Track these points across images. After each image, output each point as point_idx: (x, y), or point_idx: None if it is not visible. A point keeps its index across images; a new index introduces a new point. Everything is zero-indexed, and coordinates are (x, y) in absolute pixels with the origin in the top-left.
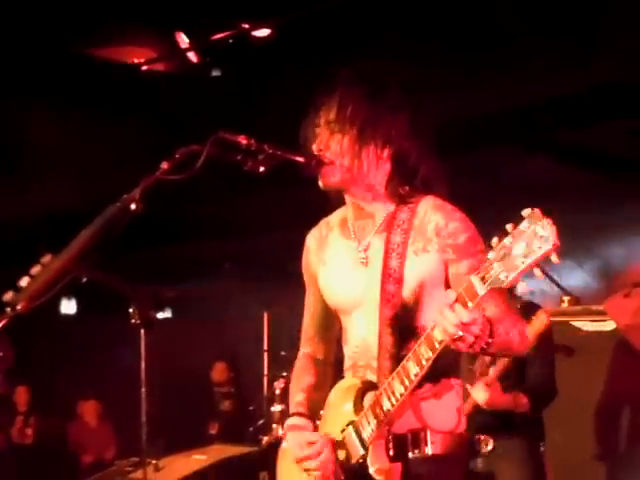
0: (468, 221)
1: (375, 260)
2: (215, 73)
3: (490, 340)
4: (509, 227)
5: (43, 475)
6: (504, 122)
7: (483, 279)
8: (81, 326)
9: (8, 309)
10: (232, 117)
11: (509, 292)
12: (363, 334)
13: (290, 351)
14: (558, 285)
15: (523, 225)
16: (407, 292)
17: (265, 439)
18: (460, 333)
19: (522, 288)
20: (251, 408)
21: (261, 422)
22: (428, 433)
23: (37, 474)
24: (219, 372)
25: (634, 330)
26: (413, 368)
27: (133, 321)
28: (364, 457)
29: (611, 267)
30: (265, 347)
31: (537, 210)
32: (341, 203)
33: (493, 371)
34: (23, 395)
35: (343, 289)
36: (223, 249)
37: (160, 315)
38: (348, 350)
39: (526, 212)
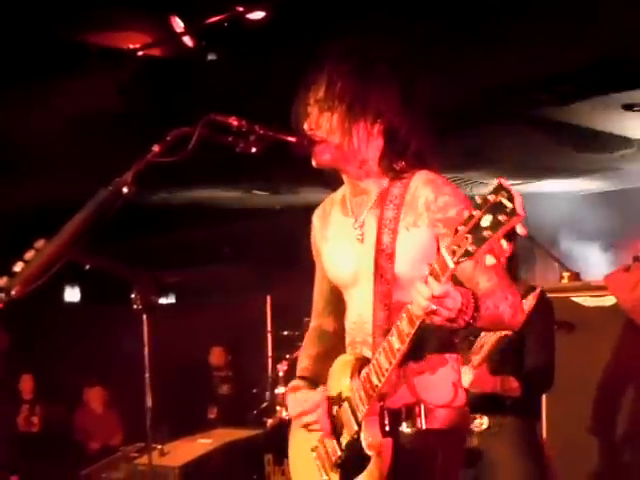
0: (459, 194)
1: (369, 236)
2: (211, 57)
3: (476, 314)
4: (478, 199)
5: (50, 462)
6: (503, 99)
7: (453, 252)
8: (85, 313)
9: (2, 294)
10: (229, 101)
11: (508, 267)
12: (359, 310)
13: (292, 332)
14: (557, 261)
15: (490, 196)
16: (399, 268)
17: (269, 421)
18: (433, 307)
19: (490, 261)
20: (254, 391)
21: (265, 405)
22: (422, 407)
23: (44, 462)
24: (217, 356)
25: (634, 304)
26: (396, 343)
27: (135, 306)
28: (357, 433)
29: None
30: (269, 329)
31: (503, 181)
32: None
33: (480, 354)
34: (28, 383)
35: (341, 265)
36: (223, 233)
37: (163, 301)
38: (347, 326)
39: (493, 183)
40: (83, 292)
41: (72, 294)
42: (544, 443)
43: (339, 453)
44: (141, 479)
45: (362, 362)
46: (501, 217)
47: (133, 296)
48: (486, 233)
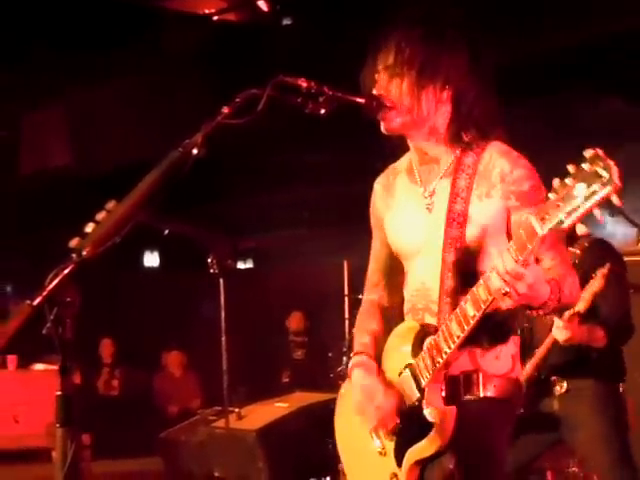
0: (532, 169)
1: (440, 205)
2: (286, 21)
3: (556, 305)
4: (571, 168)
5: (129, 425)
6: (576, 62)
7: (543, 219)
8: (164, 278)
9: (74, 255)
10: (303, 65)
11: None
12: (423, 278)
13: None
14: (636, 225)
15: (584, 165)
16: (470, 237)
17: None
18: (506, 288)
19: (581, 230)
20: (330, 355)
21: (341, 368)
22: (480, 376)
23: (123, 425)
24: (296, 321)
25: None
26: (470, 310)
27: (212, 271)
28: (419, 400)
29: None
30: (346, 292)
31: (599, 150)
32: (407, 149)
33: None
34: (108, 347)
35: (408, 234)
36: (302, 198)
37: (241, 266)
38: (407, 294)
39: (588, 152)
40: (162, 257)
41: (151, 259)
42: (627, 406)
43: (397, 420)
44: (219, 442)
45: (426, 329)
46: (596, 186)
47: (210, 260)
48: (580, 202)
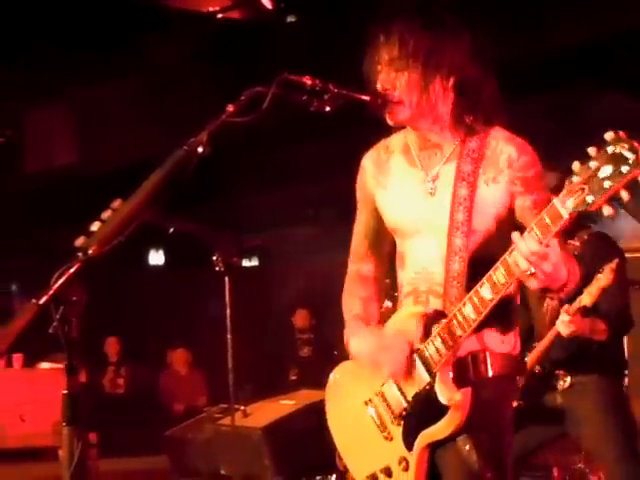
0: (536, 156)
1: (444, 189)
2: (290, 19)
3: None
4: (592, 150)
5: (135, 424)
6: (580, 58)
7: (565, 203)
8: (169, 276)
9: (80, 254)
10: (308, 62)
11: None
12: (424, 261)
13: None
14: None
15: (609, 148)
16: (477, 221)
17: None
18: (532, 269)
19: (607, 211)
20: (336, 352)
21: None
22: (487, 355)
23: (129, 423)
24: (301, 318)
25: None
26: (488, 294)
27: (217, 268)
28: (430, 384)
29: None
30: None
31: (622, 133)
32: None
33: (577, 302)
34: (114, 345)
35: (407, 215)
36: (306, 194)
37: (247, 263)
38: (406, 275)
39: (609, 135)
40: (167, 255)
41: (156, 257)
42: (629, 401)
43: (404, 405)
44: (225, 440)
45: (434, 314)
46: (624, 168)
47: (215, 258)
48: (606, 184)
